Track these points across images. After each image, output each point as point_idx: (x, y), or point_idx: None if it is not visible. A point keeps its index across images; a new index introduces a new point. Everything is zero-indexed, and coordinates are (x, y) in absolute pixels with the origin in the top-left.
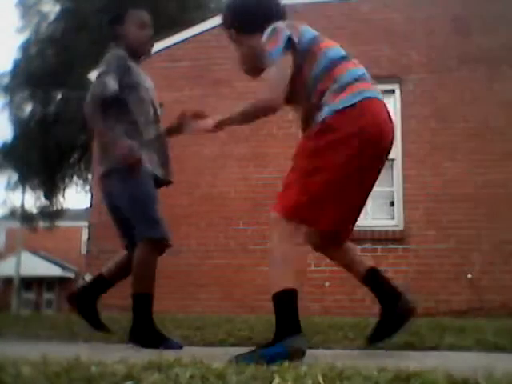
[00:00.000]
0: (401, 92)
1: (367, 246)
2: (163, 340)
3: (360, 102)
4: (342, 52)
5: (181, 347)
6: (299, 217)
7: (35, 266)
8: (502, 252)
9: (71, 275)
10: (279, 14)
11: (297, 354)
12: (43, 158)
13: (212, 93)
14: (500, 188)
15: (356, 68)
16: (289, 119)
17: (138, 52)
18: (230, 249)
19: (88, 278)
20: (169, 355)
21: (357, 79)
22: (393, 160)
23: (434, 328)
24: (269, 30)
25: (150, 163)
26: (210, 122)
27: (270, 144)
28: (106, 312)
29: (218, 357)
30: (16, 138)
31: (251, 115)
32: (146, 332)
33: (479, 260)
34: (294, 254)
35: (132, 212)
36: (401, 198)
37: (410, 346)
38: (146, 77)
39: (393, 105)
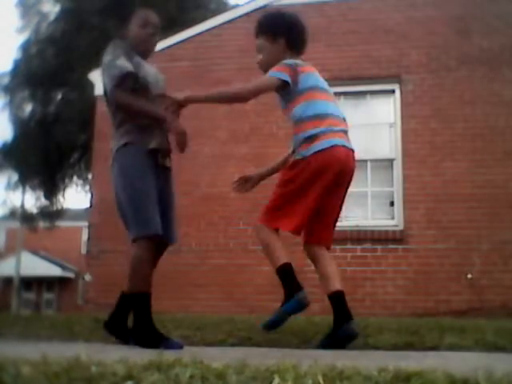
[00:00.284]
0: (401, 92)
1: (367, 246)
2: (163, 340)
3: (324, 149)
4: (329, 105)
5: (181, 347)
6: (273, 222)
7: (35, 266)
8: (501, 252)
9: (71, 275)
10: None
11: (305, 301)
12: (43, 158)
13: None
14: (500, 188)
15: (330, 125)
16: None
17: (140, 49)
18: (229, 249)
19: (88, 277)
20: (169, 355)
21: (324, 132)
22: (393, 160)
23: (434, 328)
24: (288, 61)
25: (155, 148)
26: (179, 94)
27: (270, 144)
28: (105, 312)
29: (218, 357)
30: (16, 138)
31: (226, 98)
32: (144, 332)
33: (479, 260)
34: (272, 239)
35: (127, 207)
36: (401, 198)
37: (409, 346)
38: (152, 70)
39: (393, 105)
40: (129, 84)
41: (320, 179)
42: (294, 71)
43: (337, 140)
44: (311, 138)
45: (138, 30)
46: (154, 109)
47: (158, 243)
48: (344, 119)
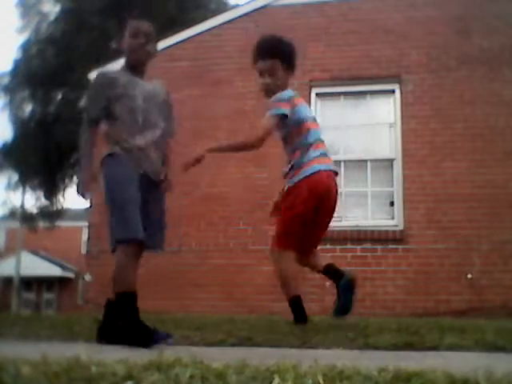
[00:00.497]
0: (401, 92)
1: (367, 246)
2: (152, 335)
3: (311, 174)
4: (316, 132)
5: (170, 337)
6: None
7: (35, 266)
8: (501, 252)
9: (71, 275)
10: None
11: (356, 277)
12: (43, 158)
13: (212, 93)
14: (500, 188)
15: (316, 149)
16: None
17: (132, 60)
18: (229, 249)
19: (88, 277)
20: (169, 355)
21: (311, 159)
22: (393, 160)
23: (434, 328)
24: (283, 95)
25: (140, 165)
26: (198, 151)
27: (270, 144)
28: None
29: (218, 357)
30: (16, 138)
31: (237, 148)
32: (133, 330)
33: (479, 260)
34: (290, 271)
35: (109, 214)
36: (401, 198)
37: (409, 346)
38: (146, 87)
39: (393, 105)
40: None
41: (311, 201)
42: (291, 105)
43: (322, 165)
44: (299, 165)
45: (130, 41)
46: (84, 166)
47: (138, 248)
48: (323, 141)
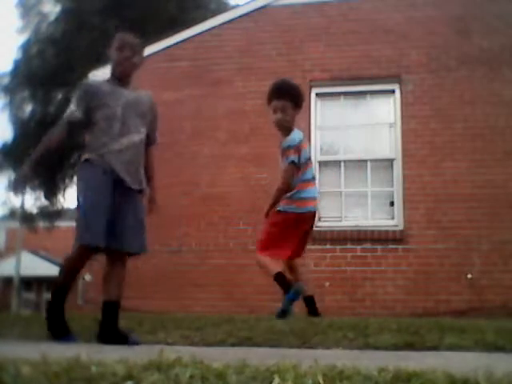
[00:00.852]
0: (401, 92)
1: (367, 246)
2: (65, 332)
3: (301, 212)
4: (312, 171)
5: (74, 340)
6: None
7: (35, 265)
8: (501, 252)
9: None
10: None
11: (301, 289)
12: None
13: (212, 93)
14: (500, 188)
15: (310, 187)
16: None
17: (118, 73)
18: (229, 249)
19: (88, 277)
20: (169, 355)
21: (304, 198)
22: (393, 160)
23: (434, 328)
24: (294, 140)
25: (115, 171)
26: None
27: (270, 144)
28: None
29: (218, 357)
30: (16, 138)
31: (279, 196)
32: (51, 320)
33: (479, 260)
34: (268, 260)
35: (76, 213)
36: (401, 198)
37: (409, 346)
38: (130, 95)
39: (393, 105)
40: (75, 126)
41: (293, 227)
42: (299, 150)
43: (307, 208)
44: (295, 199)
45: (116, 54)
46: (30, 162)
47: (92, 252)
48: (314, 178)
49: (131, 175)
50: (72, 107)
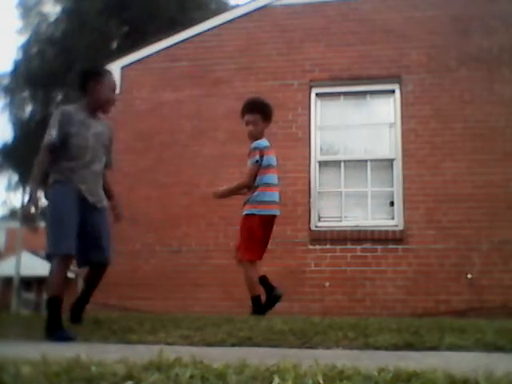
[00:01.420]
0: (401, 92)
1: (367, 246)
2: (63, 336)
3: (261, 214)
4: (274, 176)
5: (72, 339)
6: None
7: (35, 265)
8: (501, 252)
9: (71, 275)
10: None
11: (279, 293)
12: None
13: (212, 93)
14: (500, 188)
15: (271, 191)
16: (289, 119)
17: (99, 108)
18: (229, 249)
19: None
20: (169, 355)
21: (265, 202)
22: (393, 160)
23: (434, 328)
24: (260, 144)
25: (82, 192)
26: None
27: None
28: (105, 312)
29: (218, 357)
30: (16, 138)
31: (238, 188)
32: (51, 329)
33: (479, 260)
34: (255, 277)
35: (46, 226)
36: (401, 198)
37: (409, 346)
38: (97, 128)
39: (393, 105)
40: (53, 147)
41: (260, 230)
42: (262, 153)
43: (271, 210)
44: (257, 202)
45: (108, 95)
46: (31, 190)
47: (68, 260)
48: (277, 184)
49: (94, 195)
50: (51, 132)
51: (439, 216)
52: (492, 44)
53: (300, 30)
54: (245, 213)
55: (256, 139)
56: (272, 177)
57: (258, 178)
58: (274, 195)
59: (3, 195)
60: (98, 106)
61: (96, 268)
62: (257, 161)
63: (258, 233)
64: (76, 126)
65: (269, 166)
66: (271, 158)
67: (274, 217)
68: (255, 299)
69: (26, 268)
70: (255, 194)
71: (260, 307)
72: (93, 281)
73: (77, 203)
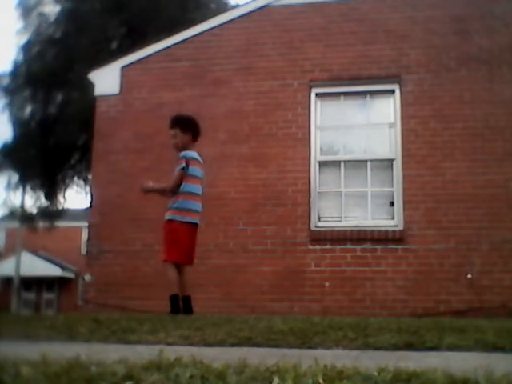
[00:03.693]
0: (401, 92)
1: (367, 246)
2: None
3: (181, 221)
4: (196, 187)
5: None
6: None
7: (35, 265)
8: (501, 252)
9: (71, 275)
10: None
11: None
12: (43, 158)
13: (212, 93)
14: (500, 188)
15: (193, 200)
16: (289, 119)
17: None
18: (229, 249)
19: (88, 278)
20: (169, 355)
21: (186, 209)
22: (393, 160)
23: (434, 328)
24: (188, 155)
25: None
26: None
27: (270, 144)
28: (105, 312)
29: (218, 357)
30: (16, 138)
31: (163, 191)
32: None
33: (479, 260)
34: (175, 276)
35: None
36: (401, 198)
37: (409, 346)
38: None
39: (393, 105)
40: None
41: (182, 235)
42: (188, 162)
43: (192, 219)
44: (179, 209)
45: None
46: None
47: None
48: (200, 194)
49: None
50: None
51: (439, 216)
52: (492, 44)
53: (300, 30)
54: (167, 218)
55: (180, 150)
56: (197, 187)
57: (183, 184)
58: (196, 205)
59: (3, 195)
60: None
61: None
62: (183, 168)
63: (180, 237)
64: None
65: (194, 177)
66: (196, 169)
67: (195, 225)
68: (172, 298)
69: (25, 268)
70: (178, 201)
71: (176, 307)
72: None
73: None
